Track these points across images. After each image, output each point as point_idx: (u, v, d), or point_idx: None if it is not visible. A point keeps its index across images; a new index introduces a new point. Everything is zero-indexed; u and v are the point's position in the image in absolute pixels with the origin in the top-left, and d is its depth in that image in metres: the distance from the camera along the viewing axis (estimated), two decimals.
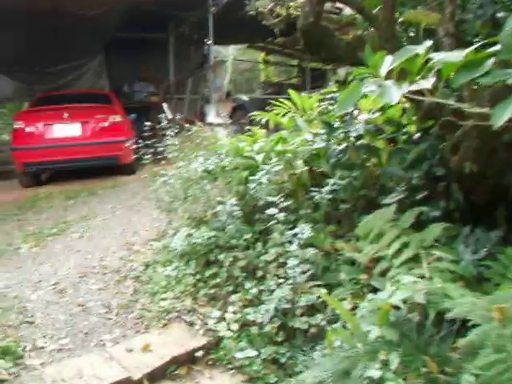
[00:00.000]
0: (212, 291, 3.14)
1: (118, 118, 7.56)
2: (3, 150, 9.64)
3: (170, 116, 11.09)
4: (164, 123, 4.55)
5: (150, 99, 11.38)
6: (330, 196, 3.22)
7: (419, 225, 2.79)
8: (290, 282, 2.76)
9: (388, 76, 1.48)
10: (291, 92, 4.54)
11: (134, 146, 8.00)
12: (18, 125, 7.29)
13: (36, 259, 4.34)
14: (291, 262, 2.72)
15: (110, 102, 8.10)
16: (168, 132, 4.42)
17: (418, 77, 1.43)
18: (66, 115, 7.31)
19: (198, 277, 3.28)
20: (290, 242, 2.97)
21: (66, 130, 7.34)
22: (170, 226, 4.43)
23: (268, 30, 12.59)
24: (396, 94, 1.36)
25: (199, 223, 3.70)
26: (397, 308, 2.10)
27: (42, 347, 2.77)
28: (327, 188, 3.23)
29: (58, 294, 3.45)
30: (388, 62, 1.44)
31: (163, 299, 3.17)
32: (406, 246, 2.69)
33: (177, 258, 3.55)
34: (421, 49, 1.46)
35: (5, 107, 11.98)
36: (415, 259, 2.62)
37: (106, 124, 7.45)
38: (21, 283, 3.79)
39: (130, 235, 4.77)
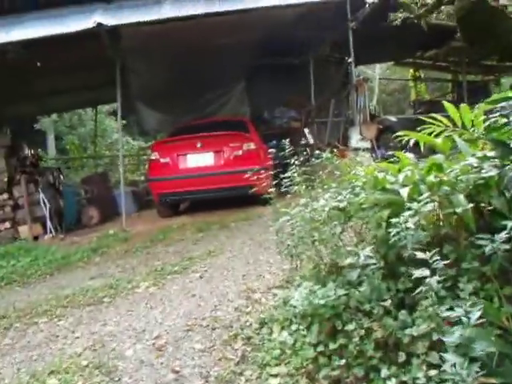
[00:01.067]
0: (335, 373, 2.33)
1: (252, 146, 7.16)
2: None
3: (311, 141, 10.54)
4: (288, 149, 3.88)
5: (291, 125, 10.95)
6: (507, 246, 2.23)
7: None
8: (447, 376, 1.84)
9: None
10: (446, 104, 3.57)
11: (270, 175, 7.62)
12: (154, 155, 7.28)
13: (149, 302, 3.94)
14: (449, 353, 1.80)
15: (244, 129, 7.77)
16: (292, 160, 3.72)
17: None
18: (199, 145, 7.11)
19: (319, 349, 2.49)
20: (451, 309, 2.05)
21: (199, 159, 7.14)
22: (296, 273, 3.71)
23: (415, 42, 11.46)
24: None
25: (326, 276, 2.93)
26: None
27: None
28: (503, 234, 2.24)
29: (156, 353, 2.92)
30: None
31: (273, 375, 2.45)
32: None
33: (297, 318, 2.81)
34: None
35: (154, 138, 12.51)
36: None
37: (240, 152, 7.09)
38: (125, 331, 3.38)
39: (254, 279, 4.16)
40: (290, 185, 3.82)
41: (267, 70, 10.89)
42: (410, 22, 10.21)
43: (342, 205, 3.00)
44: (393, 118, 10.10)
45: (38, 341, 3.53)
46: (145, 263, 5.33)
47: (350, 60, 8.50)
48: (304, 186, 3.66)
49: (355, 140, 8.20)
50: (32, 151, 10.32)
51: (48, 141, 17.32)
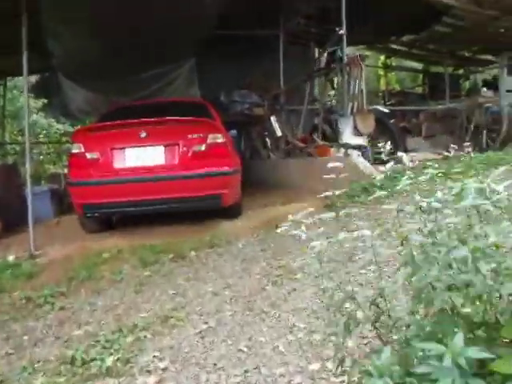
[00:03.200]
0: None
1: (219, 139, 5.06)
2: None
3: (279, 133, 8.60)
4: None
5: (254, 111, 8.94)
6: None
7: None
8: None
9: None
10: None
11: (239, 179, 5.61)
12: (76, 148, 4.99)
13: None
14: None
15: (206, 115, 5.65)
16: None
17: None
18: (142, 135, 4.91)
19: None
20: None
21: (144, 156, 4.94)
22: None
23: (395, 24, 9.75)
24: None
25: None
26: None
27: None
28: None
29: None
30: None
31: None
32: None
33: None
34: None
35: (82, 123, 9.96)
36: None
37: (203, 147, 4.97)
38: None
39: None
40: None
41: (226, 45, 8.82)
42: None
43: None
44: (384, 109, 8.36)
45: None
46: (54, 335, 3.17)
47: (341, 32, 6.56)
48: None
49: (347, 134, 6.32)
50: None
51: None
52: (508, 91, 10.71)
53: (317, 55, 8.60)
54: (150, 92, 9.27)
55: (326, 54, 7.59)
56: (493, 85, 11.45)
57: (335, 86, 7.22)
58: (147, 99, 8.73)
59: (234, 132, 6.93)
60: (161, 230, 5.44)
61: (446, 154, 9.56)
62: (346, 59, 6.62)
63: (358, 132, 6.31)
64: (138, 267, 4.28)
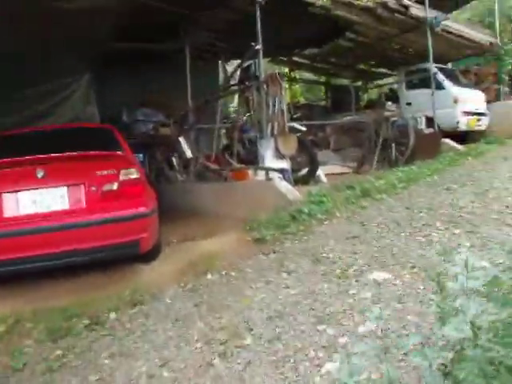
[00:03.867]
0: None
1: (133, 174, 4.32)
2: None
3: (189, 154, 7.97)
4: None
5: (159, 132, 8.24)
6: None
7: None
8: None
9: None
10: None
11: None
12: None
13: None
14: None
15: (115, 145, 4.90)
16: None
17: None
18: (40, 174, 4.05)
19: None
20: None
21: (42, 200, 4.05)
22: None
23: (298, 36, 9.63)
24: None
25: None
26: None
27: None
28: None
29: None
30: None
31: None
32: None
33: None
34: None
35: None
36: None
37: (115, 186, 4.22)
38: None
39: None
40: None
41: (126, 58, 8.08)
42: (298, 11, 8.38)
43: None
44: (300, 127, 8.04)
45: None
46: None
47: (257, 47, 6.12)
48: None
49: (269, 158, 5.89)
50: None
51: None
52: (408, 104, 11.10)
53: (227, 70, 8.13)
54: (38, 112, 8.26)
55: (239, 70, 7.13)
56: (393, 98, 11.82)
57: (250, 104, 6.77)
58: (35, 121, 7.74)
59: (140, 156, 6.22)
60: (67, 282, 4.58)
61: (354, 167, 9.60)
62: (262, 76, 6.19)
63: (279, 154, 5.92)
64: (46, 342, 3.45)
